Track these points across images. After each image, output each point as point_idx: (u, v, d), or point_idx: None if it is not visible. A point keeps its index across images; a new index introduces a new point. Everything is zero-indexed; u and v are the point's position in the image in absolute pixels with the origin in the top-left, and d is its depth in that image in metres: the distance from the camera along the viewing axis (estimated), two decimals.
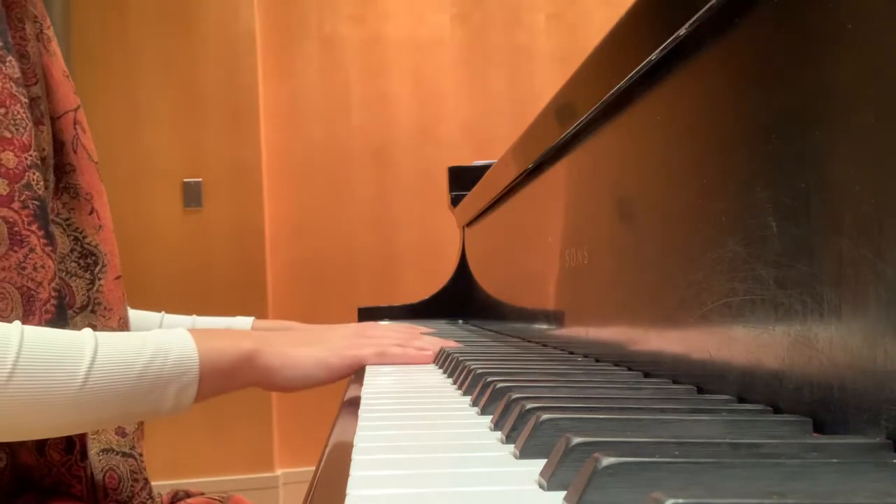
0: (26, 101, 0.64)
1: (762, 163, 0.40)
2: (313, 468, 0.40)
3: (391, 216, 2.73)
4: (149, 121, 2.52)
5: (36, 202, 0.62)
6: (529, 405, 0.39)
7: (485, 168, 1.31)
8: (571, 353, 0.75)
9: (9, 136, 0.61)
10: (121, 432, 0.71)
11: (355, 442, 0.38)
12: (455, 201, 1.66)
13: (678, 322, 0.51)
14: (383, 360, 0.73)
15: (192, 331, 0.62)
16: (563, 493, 0.28)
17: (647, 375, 0.56)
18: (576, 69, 0.69)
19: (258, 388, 0.68)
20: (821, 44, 0.36)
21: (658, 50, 0.51)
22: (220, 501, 0.81)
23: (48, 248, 0.62)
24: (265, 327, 1.13)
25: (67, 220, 0.70)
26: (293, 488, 2.54)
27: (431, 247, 2.65)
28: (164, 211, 2.52)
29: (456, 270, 1.63)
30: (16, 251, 0.60)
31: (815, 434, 0.35)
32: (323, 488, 0.34)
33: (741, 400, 0.42)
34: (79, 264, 0.70)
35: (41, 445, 0.63)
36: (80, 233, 0.70)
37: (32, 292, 0.61)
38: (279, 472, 2.55)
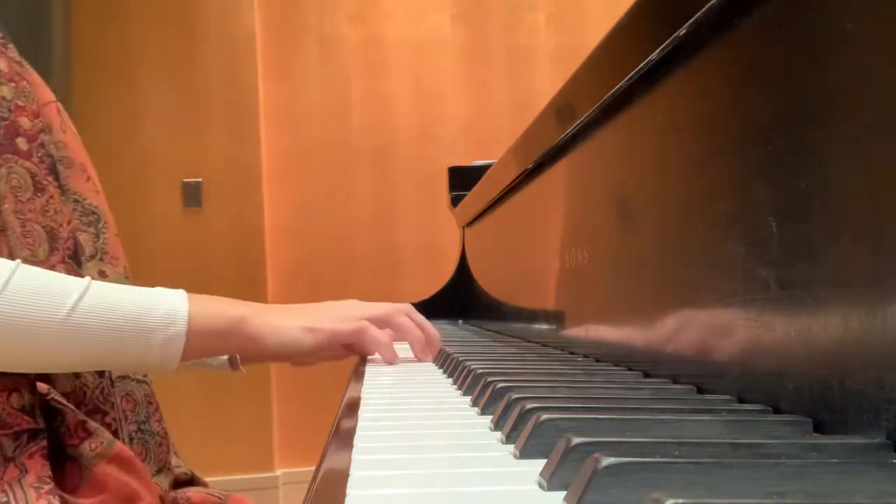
0: (25, 82, 0.72)
1: (762, 162, 0.40)
2: (313, 468, 0.40)
3: (391, 216, 2.73)
4: (149, 121, 2.52)
5: (49, 158, 0.71)
6: (529, 405, 0.39)
7: (485, 168, 1.31)
8: (571, 353, 0.75)
9: (21, 104, 0.70)
10: None
11: (355, 442, 0.38)
12: (455, 201, 1.66)
13: (678, 322, 0.51)
14: (359, 338, 0.76)
15: (190, 294, 0.65)
16: (563, 494, 0.28)
17: (647, 375, 0.56)
18: (576, 69, 0.69)
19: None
20: (820, 44, 0.36)
21: (658, 50, 0.51)
22: (219, 499, 0.81)
23: (62, 198, 0.71)
24: None
25: (66, 186, 0.77)
26: (293, 488, 2.53)
27: (431, 247, 2.65)
28: (164, 211, 2.51)
29: (456, 271, 1.63)
30: (39, 196, 0.68)
31: (815, 434, 0.35)
32: (323, 488, 0.34)
33: (741, 400, 0.42)
34: (82, 221, 0.77)
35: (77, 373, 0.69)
36: (80, 195, 0.78)
37: (55, 232, 0.69)
38: (279, 472, 2.55)
